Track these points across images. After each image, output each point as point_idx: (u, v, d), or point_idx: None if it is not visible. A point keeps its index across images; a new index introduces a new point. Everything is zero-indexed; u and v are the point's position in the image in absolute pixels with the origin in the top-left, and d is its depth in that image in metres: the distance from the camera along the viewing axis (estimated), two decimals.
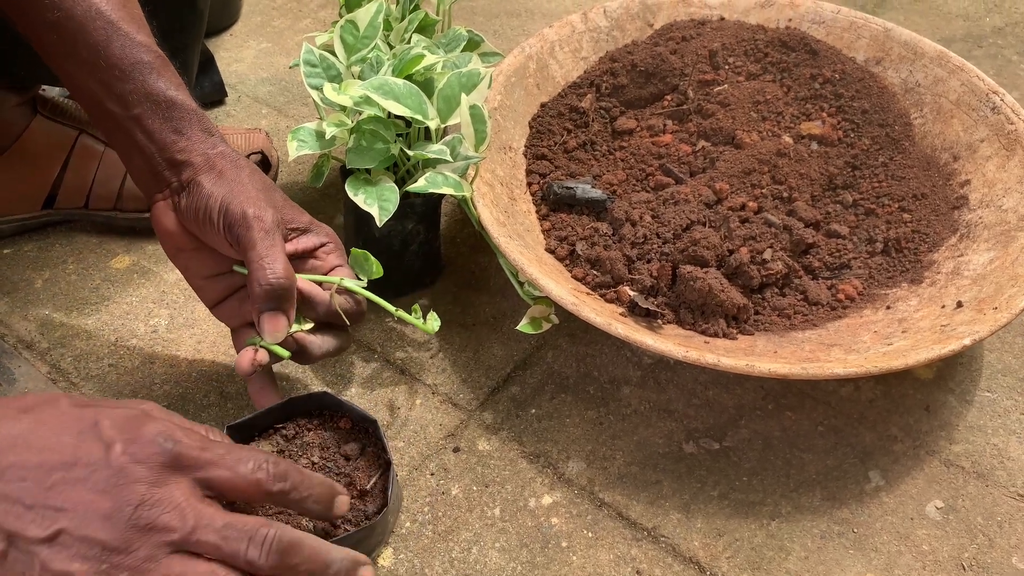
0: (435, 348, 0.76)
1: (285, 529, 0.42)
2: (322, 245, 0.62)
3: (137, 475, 0.41)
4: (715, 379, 0.73)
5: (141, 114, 0.57)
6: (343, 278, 0.61)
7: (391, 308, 0.62)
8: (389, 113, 0.69)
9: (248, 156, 0.87)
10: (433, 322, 0.64)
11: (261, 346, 0.57)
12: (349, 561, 0.44)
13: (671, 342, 0.62)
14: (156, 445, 0.42)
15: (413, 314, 0.64)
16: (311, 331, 0.60)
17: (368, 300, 0.62)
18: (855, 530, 0.63)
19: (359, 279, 0.62)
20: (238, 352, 0.61)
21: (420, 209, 0.74)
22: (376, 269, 0.62)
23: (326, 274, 0.62)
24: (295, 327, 0.58)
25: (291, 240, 0.61)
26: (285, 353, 0.57)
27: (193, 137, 0.58)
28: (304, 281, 0.59)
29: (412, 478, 0.65)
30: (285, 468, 0.46)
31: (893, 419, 0.70)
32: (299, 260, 0.61)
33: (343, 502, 0.50)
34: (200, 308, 0.78)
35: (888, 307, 0.71)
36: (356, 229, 0.75)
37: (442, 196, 0.77)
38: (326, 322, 0.63)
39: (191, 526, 0.41)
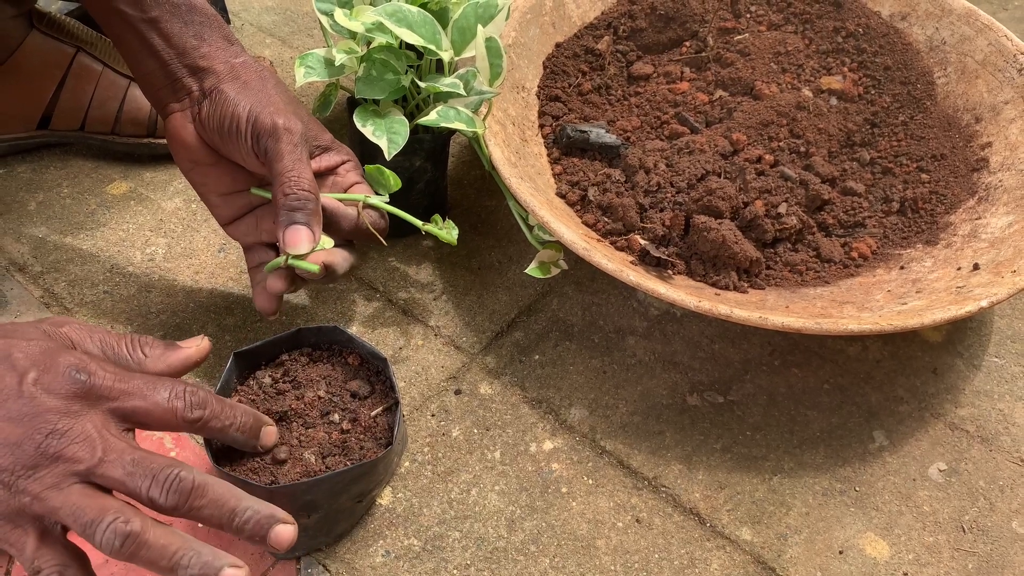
0: (439, 290, 0.74)
1: (193, 471, 0.41)
2: (342, 163, 0.61)
3: (49, 405, 0.40)
4: (721, 333, 0.72)
5: (159, 16, 0.54)
6: (367, 196, 0.60)
7: (418, 223, 0.62)
8: (401, 43, 0.66)
9: None
10: (451, 230, 0.63)
11: (290, 263, 0.54)
12: (261, 514, 0.42)
13: (683, 292, 0.60)
14: (69, 377, 0.41)
15: (434, 224, 0.63)
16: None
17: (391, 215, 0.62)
18: (857, 488, 0.62)
19: (379, 194, 0.61)
20: (250, 269, 0.61)
21: (428, 146, 0.71)
22: (394, 182, 0.61)
23: (346, 191, 0.60)
24: (319, 246, 0.55)
25: (315, 157, 0.59)
26: (314, 267, 0.54)
27: (215, 44, 0.56)
28: (329, 199, 0.58)
29: (413, 418, 0.64)
30: (204, 396, 0.45)
31: (900, 380, 0.69)
32: (320, 178, 0.60)
33: (269, 433, 0.50)
34: (199, 238, 0.76)
35: (902, 267, 0.70)
36: (362, 163, 0.73)
37: (451, 134, 0.74)
38: (346, 239, 0.61)
39: (98, 458, 0.40)
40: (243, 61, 0.57)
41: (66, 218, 0.77)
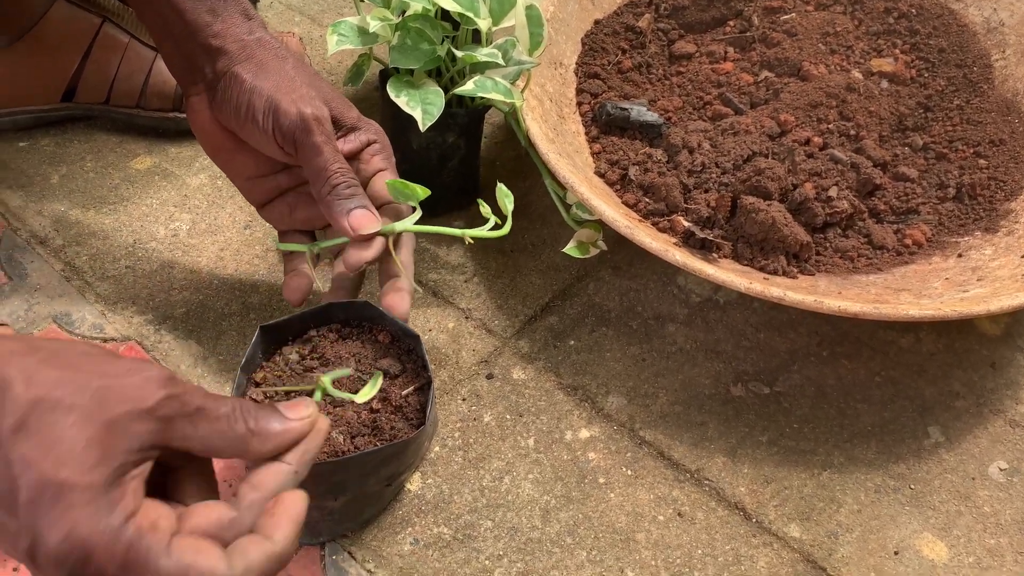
0: (470, 272, 0.71)
1: None
2: (368, 144, 0.56)
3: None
4: (767, 321, 0.69)
5: None
6: (394, 227, 0.53)
7: (459, 232, 0.55)
8: (437, 11, 0.63)
9: None
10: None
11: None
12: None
13: (732, 273, 0.57)
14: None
15: (485, 217, 0.55)
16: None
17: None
18: (912, 486, 0.59)
19: (411, 207, 0.55)
20: (284, 255, 0.58)
21: (463, 121, 0.69)
22: (421, 191, 0.54)
23: (370, 177, 0.56)
24: (369, 387, 0.49)
25: (339, 139, 0.54)
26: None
27: (229, 20, 0.52)
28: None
29: (443, 403, 0.61)
30: None
31: (956, 374, 0.66)
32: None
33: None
34: (224, 214, 0.73)
35: (960, 255, 0.66)
36: (393, 139, 0.70)
37: (485, 111, 0.71)
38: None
39: None
40: (259, 38, 0.52)
41: (89, 192, 0.75)
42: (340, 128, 0.55)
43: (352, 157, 0.55)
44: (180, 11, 0.51)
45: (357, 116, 0.56)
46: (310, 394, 0.46)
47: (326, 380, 0.45)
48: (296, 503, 0.37)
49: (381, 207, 0.55)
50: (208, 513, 0.36)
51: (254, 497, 0.36)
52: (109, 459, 0.32)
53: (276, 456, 0.38)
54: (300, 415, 0.39)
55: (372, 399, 0.49)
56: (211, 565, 0.33)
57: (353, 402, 0.50)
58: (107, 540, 0.32)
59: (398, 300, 0.54)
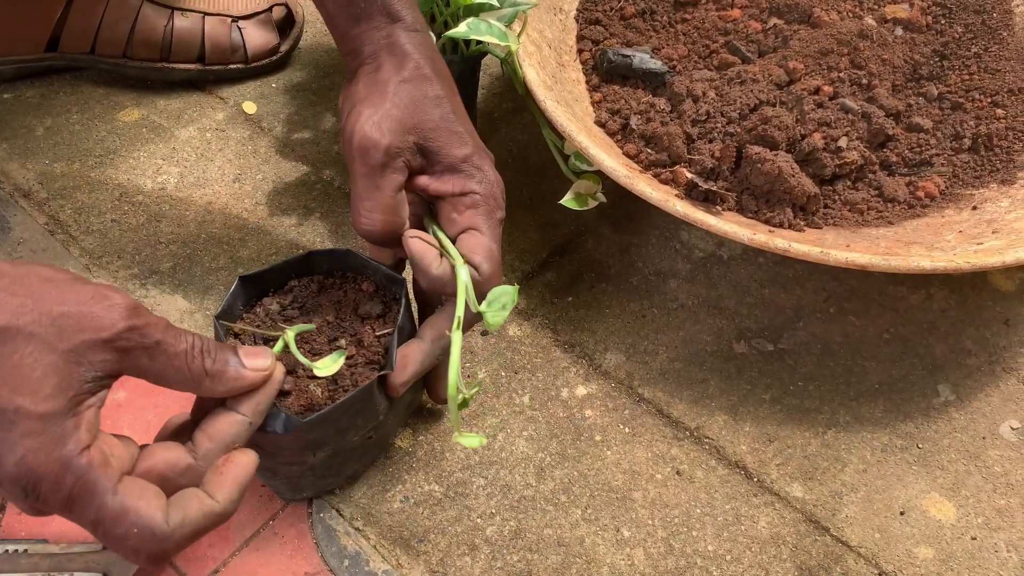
0: None
1: None
2: (465, 193, 0.48)
3: None
4: (772, 277, 0.66)
5: None
6: (461, 260, 0.46)
7: (454, 411, 0.46)
8: None
9: (271, 8, 0.79)
10: (469, 439, 0.46)
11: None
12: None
13: (735, 225, 0.55)
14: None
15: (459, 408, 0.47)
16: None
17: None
18: (920, 445, 0.57)
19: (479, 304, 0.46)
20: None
21: (457, 68, 0.66)
22: (496, 321, 0.46)
23: (458, 232, 0.48)
24: (331, 360, 0.44)
25: (433, 175, 0.48)
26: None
27: (371, 22, 0.49)
28: (418, 241, 0.47)
29: None
30: None
31: (967, 331, 0.63)
32: (438, 202, 0.49)
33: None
34: (213, 167, 0.71)
35: (974, 208, 0.64)
36: None
37: (480, 58, 0.69)
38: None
39: None
40: (390, 43, 0.48)
41: (74, 145, 0.73)
42: (436, 164, 0.48)
43: (441, 198, 0.49)
44: (330, 16, 0.51)
45: (464, 157, 0.48)
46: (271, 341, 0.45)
47: (290, 335, 0.44)
48: (245, 465, 0.38)
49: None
50: (167, 456, 0.37)
51: (209, 447, 0.38)
52: (66, 388, 0.33)
53: (230, 405, 0.40)
54: (257, 365, 0.40)
55: (333, 373, 0.45)
56: (150, 513, 0.35)
57: (331, 348, 0.48)
58: (57, 470, 0.33)
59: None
